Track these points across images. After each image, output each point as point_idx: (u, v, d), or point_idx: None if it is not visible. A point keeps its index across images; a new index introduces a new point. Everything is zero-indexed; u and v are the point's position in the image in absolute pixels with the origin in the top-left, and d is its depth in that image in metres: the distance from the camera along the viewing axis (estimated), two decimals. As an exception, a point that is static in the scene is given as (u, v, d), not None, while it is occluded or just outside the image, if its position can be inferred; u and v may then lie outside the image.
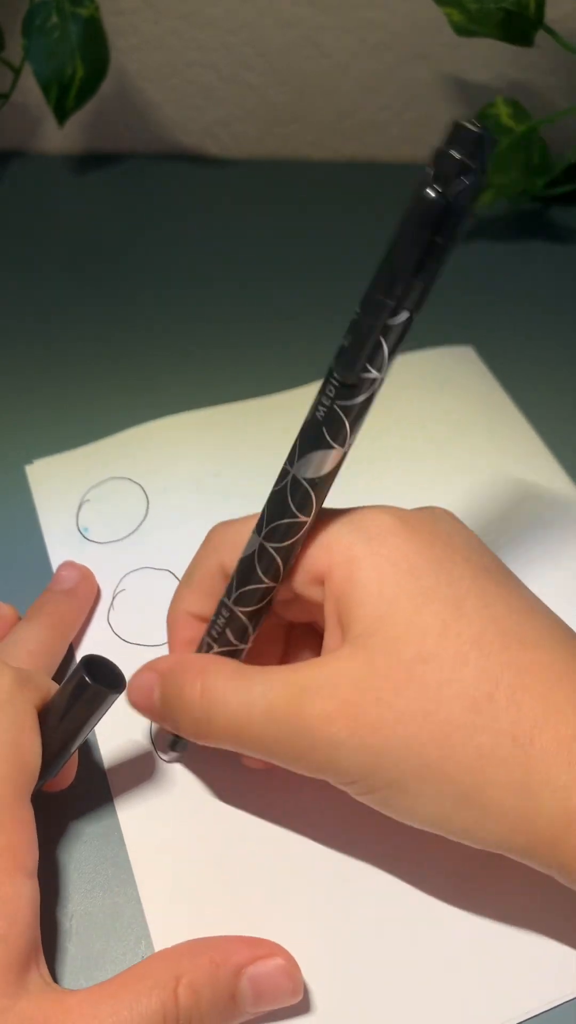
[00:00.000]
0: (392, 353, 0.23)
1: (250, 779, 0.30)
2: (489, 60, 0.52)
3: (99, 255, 0.51)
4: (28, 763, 0.25)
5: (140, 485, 0.39)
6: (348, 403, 0.24)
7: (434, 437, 0.41)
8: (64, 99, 0.49)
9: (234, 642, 0.28)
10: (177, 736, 0.30)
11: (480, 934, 0.27)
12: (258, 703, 0.25)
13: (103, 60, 0.48)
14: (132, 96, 0.55)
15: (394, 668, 0.24)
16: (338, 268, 0.50)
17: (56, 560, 0.36)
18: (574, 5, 0.49)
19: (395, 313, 0.23)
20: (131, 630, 0.34)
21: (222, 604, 0.28)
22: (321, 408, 0.24)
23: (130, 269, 0.50)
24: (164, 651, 0.32)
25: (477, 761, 0.23)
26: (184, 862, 0.29)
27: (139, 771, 0.31)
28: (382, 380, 0.24)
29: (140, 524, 0.38)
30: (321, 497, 0.25)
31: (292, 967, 0.25)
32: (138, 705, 0.28)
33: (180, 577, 0.31)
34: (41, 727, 0.26)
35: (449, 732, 0.24)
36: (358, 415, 0.24)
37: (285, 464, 0.25)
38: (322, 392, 0.24)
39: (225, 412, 0.42)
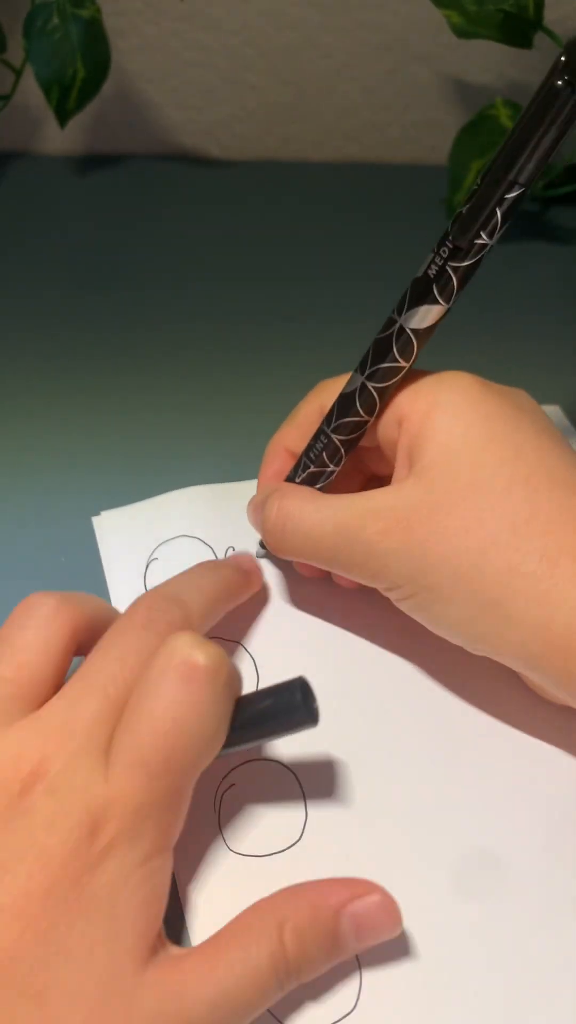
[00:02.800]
0: (503, 224, 0.27)
1: None
2: (489, 62, 0.52)
3: (101, 256, 0.51)
4: (211, 746, 0.26)
5: (211, 547, 0.37)
6: (458, 264, 0.27)
7: None
8: (65, 100, 0.49)
9: (327, 464, 0.32)
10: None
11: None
12: (329, 520, 0.30)
13: (104, 61, 0.48)
14: (133, 97, 0.55)
15: (449, 492, 0.28)
16: (339, 268, 0.50)
17: None
18: (573, 6, 0.49)
19: (511, 188, 0.26)
20: None
21: (321, 432, 0.32)
22: (433, 267, 0.28)
23: (132, 270, 0.50)
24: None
25: (506, 574, 0.27)
26: None
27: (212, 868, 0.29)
28: (491, 247, 0.27)
29: None
30: (421, 346, 0.29)
31: (390, 902, 0.26)
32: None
33: (252, 653, 0.34)
34: (235, 711, 0.26)
35: (486, 547, 0.27)
36: (465, 276, 0.28)
37: (392, 315, 0.29)
38: (435, 253, 0.28)
39: None
